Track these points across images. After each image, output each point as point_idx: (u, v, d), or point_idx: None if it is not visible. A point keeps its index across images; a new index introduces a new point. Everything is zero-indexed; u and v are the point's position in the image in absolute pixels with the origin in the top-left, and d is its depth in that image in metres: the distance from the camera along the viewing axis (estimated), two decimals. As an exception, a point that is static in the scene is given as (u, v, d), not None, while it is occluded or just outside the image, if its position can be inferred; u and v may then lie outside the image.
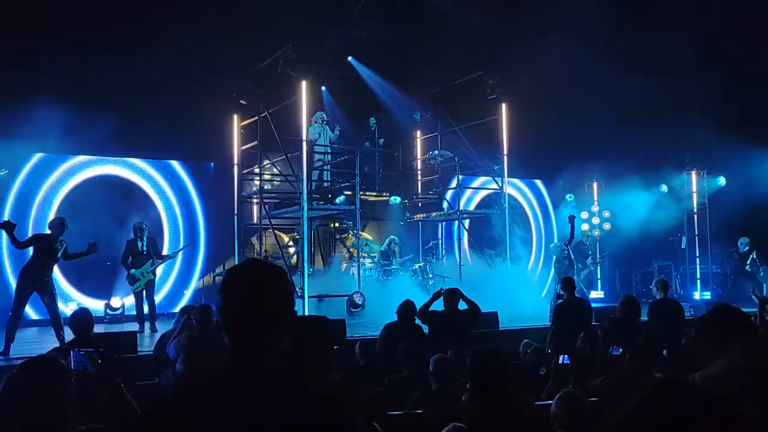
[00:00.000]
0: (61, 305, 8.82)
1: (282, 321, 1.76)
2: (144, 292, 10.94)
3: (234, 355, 1.72)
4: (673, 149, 15.66)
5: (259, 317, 1.72)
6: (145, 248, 11.05)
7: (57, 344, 8.07)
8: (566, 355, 5.49)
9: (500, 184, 14.36)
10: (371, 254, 14.11)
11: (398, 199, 14.66)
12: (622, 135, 14.26)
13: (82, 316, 6.10)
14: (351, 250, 14.14)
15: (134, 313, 11.27)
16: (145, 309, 10.92)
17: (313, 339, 2.60)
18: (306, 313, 10.33)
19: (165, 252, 12.03)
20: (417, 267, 13.80)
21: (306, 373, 2.47)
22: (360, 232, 13.37)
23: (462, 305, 7.91)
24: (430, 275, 13.53)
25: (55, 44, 11.31)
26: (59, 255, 8.76)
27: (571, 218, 12.59)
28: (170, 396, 1.82)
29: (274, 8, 12.20)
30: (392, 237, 14.22)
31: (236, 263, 1.73)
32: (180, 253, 12.41)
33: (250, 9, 12.30)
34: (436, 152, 15.14)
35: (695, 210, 16.57)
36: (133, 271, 10.89)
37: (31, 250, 8.68)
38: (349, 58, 14.51)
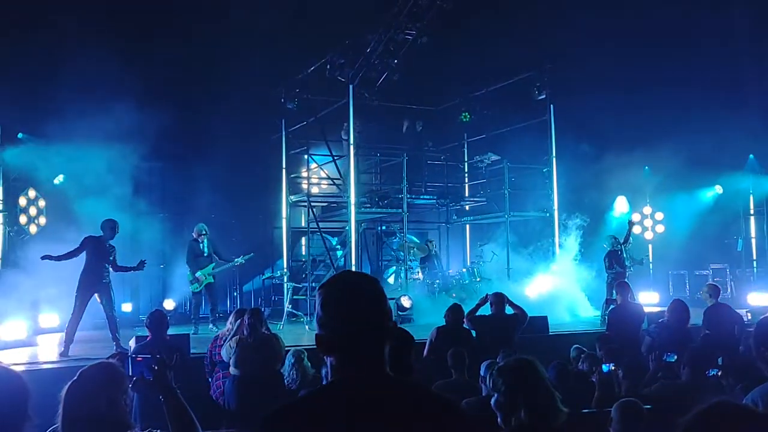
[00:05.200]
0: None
1: (390, 332, 1.82)
2: (205, 294, 10.98)
3: (354, 368, 1.75)
4: (730, 149, 15.17)
5: (378, 331, 1.77)
6: (206, 250, 10.97)
7: (114, 346, 8.32)
8: (611, 363, 5.40)
9: (549, 186, 14.13)
10: (418, 257, 14.09)
11: (444, 203, 14.59)
12: (677, 135, 13.87)
13: (159, 317, 6.38)
14: (397, 253, 14.13)
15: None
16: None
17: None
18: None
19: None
20: (464, 270, 13.72)
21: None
22: (407, 235, 13.34)
23: (509, 310, 7.85)
24: (478, 278, 13.42)
25: (114, 50, 11.48)
26: (111, 257, 8.80)
27: (630, 222, 12.62)
28: (304, 400, 1.84)
29: (321, 13, 12.30)
30: (428, 239, 14.20)
31: (332, 276, 1.80)
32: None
33: (297, 14, 12.43)
34: (485, 155, 15.02)
35: (752, 211, 16.09)
36: (198, 273, 10.85)
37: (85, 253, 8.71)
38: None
